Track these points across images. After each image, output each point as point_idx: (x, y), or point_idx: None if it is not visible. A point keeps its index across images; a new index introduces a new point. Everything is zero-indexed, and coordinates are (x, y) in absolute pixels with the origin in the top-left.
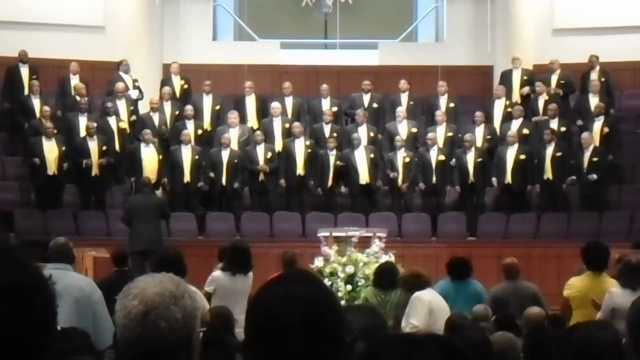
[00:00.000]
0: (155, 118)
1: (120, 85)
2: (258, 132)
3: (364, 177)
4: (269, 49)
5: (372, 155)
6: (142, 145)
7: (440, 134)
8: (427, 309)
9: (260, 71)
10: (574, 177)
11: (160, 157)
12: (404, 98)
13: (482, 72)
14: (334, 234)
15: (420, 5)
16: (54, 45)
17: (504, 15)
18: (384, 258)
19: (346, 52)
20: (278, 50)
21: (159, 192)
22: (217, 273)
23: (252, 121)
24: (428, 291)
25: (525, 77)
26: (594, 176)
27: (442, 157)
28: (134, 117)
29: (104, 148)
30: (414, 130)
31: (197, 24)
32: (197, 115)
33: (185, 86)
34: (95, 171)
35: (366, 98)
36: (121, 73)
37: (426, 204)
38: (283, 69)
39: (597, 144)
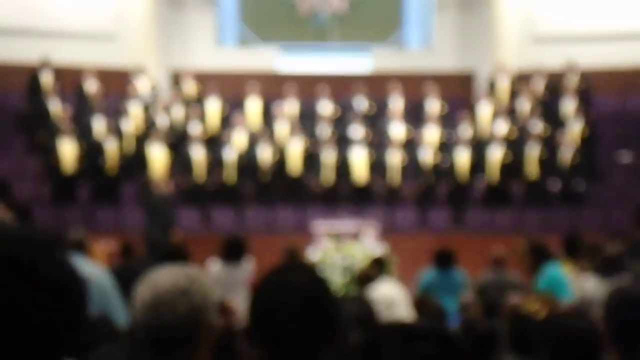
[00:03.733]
0: (165, 119)
1: (134, 88)
2: (261, 132)
3: (359, 178)
4: (269, 55)
5: (368, 156)
6: (152, 145)
7: (431, 135)
8: (385, 305)
9: (259, 76)
10: (558, 179)
11: (169, 155)
12: (397, 101)
13: (467, 78)
14: (330, 227)
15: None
16: (68, 53)
17: (486, 23)
18: (378, 250)
19: (341, 59)
20: (277, 56)
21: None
22: (213, 265)
23: (255, 122)
24: (383, 283)
25: (510, 83)
26: (581, 184)
27: (434, 157)
28: (145, 118)
29: (122, 150)
30: (407, 132)
31: (200, 30)
32: (204, 119)
33: (197, 90)
34: (112, 171)
35: (362, 103)
36: (137, 77)
37: (418, 201)
38: (281, 75)
39: (576, 146)
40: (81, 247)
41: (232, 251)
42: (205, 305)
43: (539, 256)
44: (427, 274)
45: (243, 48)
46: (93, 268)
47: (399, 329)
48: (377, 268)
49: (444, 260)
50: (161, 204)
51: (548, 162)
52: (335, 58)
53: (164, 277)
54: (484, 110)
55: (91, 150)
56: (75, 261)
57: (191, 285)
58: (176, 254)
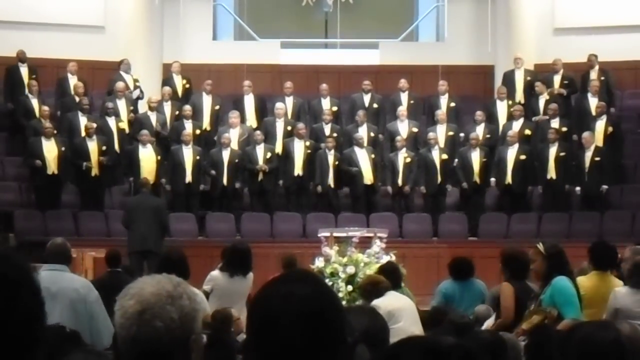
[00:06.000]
0: (153, 118)
1: (120, 84)
2: (258, 132)
3: (367, 178)
4: (269, 49)
5: (372, 156)
6: (140, 146)
7: (440, 133)
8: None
9: (260, 71)
10: (578, 188)
11: (159, 157)
12: (404, 97)
13: (483, 72)
14: (335, 234)
15: (421, 5)
16: (54, 45)
17: (504, 15)
18: (385, 258)
19: (347, 52)
20: (278, 50)
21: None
22: (215, 272)
23: (251, 120)
24: (386, 297)
25: (528, 78)
26: (605, 187)
27: (445, 157)
28: (132, 116)
29: (104, 148)
30: (415, 130)
31: (197, 24)
32: (197, 115)
33: (187, 85)
34: (95, 171)
35: (366, 98)
36: (122, 72)
37: (428, 204)
38: (283, 69)
39: (600, 143)
40: (63, 257)
41: (238, 261)
42: (194, 310)
43: (554, 264)
44: (445, 285)
45: (241, 42)
46: (74, 281)
47: (422, 344)
48: (388, 279)
49: (461, 270)
50: (153, 209)
51: (569, 163)
52: (340, 52)
53: (147, 284)
54: (502, 108)
55: (75, 152)
56: (55, 273)
57: (176, 289)
58: (175, 266)
